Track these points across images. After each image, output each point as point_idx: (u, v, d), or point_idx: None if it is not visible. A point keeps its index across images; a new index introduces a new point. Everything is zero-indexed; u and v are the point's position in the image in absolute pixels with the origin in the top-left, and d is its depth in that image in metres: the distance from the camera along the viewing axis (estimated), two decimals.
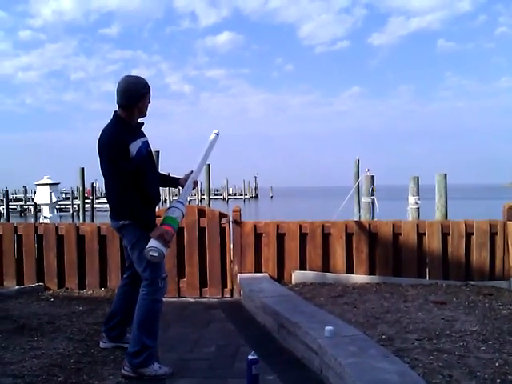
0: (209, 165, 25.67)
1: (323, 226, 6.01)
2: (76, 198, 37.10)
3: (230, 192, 79.68)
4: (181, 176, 3.87)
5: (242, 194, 79.16)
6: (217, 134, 4.03)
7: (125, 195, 3.31)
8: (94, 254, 5.97)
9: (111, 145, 3.33)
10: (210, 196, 25.39)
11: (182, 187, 3.80)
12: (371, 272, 5.93)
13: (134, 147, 3.36)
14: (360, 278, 5.87)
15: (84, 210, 30.33)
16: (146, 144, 3.53)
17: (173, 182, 3.97)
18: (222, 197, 73.36)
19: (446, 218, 12.11)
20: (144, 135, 3.58)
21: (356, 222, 6.40)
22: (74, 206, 39.65)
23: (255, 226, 6.03)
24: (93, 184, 33.67)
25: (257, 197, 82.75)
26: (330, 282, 5.79)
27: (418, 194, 14.64)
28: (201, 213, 5.97)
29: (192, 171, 3.82)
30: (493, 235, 5.87)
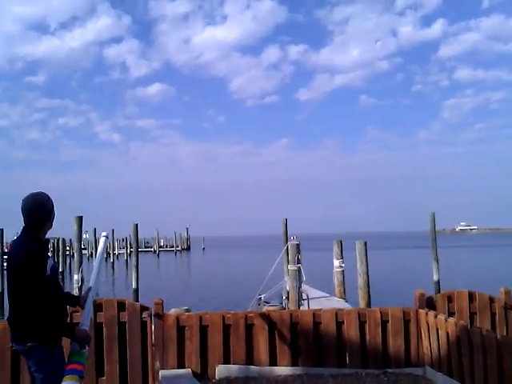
0: (137, 224, 25.41)
1: (246, 316, 6.03)
2: None
3: (161, 244, 78.27)
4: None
5: (173, 246, 77.79)
6: (106, 237, 4.07)
7: (40, 316, 3.19)
8: (6, 368, 5.47)
9: (33, 264, 3.22)
10: (138, 252, 24.94)
11: (82, 307, 3.61)
12: (294, 362, 5.97)
13: (49, 265, 3.32)
14: (283, 369, 5.89)
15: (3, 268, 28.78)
16: (51, 260, 3.46)
17: (71, 300, 3.75)
18: (152, 249, 71.79)
19: (368, 284, 12.62)
20: None
21: (278, 312, 6.47)
22: None
23: (178, 318, 5.94)
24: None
25: (189, 248, 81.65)
26: (254, 376, 5.77)
27: (341, 258, 15.20)
28: (121, 306, 5.82)
29: (90, 288, 3.64)
30: (407, 322, 6.11)
